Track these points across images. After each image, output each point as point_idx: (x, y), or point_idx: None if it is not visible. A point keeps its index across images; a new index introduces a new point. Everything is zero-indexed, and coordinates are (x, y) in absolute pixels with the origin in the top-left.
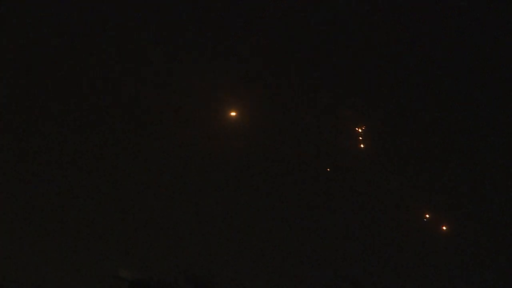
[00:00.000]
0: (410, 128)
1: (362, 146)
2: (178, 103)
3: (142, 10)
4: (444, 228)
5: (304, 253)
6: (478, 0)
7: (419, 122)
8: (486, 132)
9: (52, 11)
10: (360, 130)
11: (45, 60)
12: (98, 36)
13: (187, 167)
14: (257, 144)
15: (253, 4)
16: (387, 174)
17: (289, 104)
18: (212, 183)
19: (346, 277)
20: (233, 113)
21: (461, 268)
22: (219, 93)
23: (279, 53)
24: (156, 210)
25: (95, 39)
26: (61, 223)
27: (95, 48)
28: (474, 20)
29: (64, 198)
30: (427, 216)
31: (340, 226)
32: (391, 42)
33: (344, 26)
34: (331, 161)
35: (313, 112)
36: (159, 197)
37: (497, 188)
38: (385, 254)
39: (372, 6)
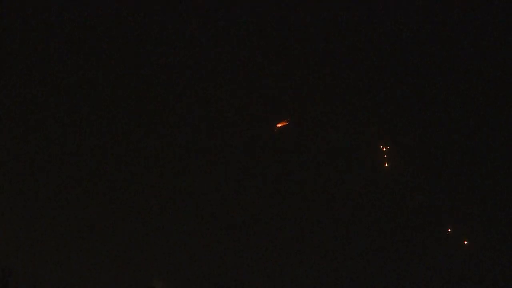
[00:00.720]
0: (435, 147)
1: (386, 164)
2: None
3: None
4: (466, 242)
5: (329, 269)
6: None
7: (443, 142)
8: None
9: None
10: (385, 149)
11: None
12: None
13: (220, 187)
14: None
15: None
16: (410, 191)
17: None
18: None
19: None
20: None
21: (480, 281)
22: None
23: (309, 71)
24: (190, 226)
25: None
26: (97, 234)
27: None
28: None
29: (102, 211)
30: (449, 230)
31: (366, 242)
32: (424, 67)
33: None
34: (357, 179)
35: (342, 129)
36: (193, 213)
37: None
38: (408, 268)
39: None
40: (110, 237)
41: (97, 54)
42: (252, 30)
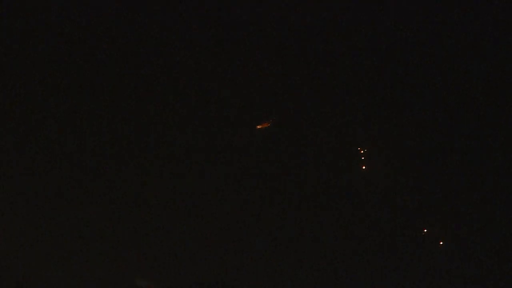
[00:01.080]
0: (412, 150)
1: (364, 167)
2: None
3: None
4: (441, 243)
5: (307, 266)
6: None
7: (420, 144)
8: (485, 152)
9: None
10: (362, 152)
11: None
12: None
13: (206, 182)
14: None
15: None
16: (387, 193)
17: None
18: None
19: None
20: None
21: (455, 281)
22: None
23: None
24: (174, 223)
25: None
26: (79, 233)
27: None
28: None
29: (84, 209)
30: (425, 231)
31: (342, 243)
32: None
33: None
34: (332, 181)
35: (322, 131)
36: (177, 210)
37: (495, 207)
38: (385, 267)
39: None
40: (92, 237)
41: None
42: (235, 31)
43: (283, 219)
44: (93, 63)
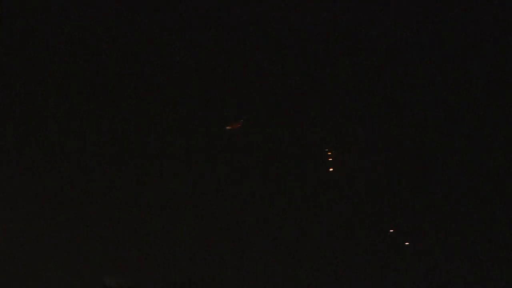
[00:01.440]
0: (379, 151)
1: (331, 169)
2: None
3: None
4: (407, 243)
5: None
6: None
7: (388, 145)
8: (450, 152)
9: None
10: (330, 153)
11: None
12: None
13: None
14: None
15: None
16: (354, 194)
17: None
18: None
19: None
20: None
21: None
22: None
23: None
24: (143, 218)
25: None
26: (45, 229)
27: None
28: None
29: (49, 203)
30: (391, 231)
31: (308, 245)
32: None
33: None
34: (300, 183)
35: (290, 132)
36: (146, 205)
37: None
38: (351, 270)
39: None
40: (59, 235)
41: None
42: (202, 29)
43: (249, 220)
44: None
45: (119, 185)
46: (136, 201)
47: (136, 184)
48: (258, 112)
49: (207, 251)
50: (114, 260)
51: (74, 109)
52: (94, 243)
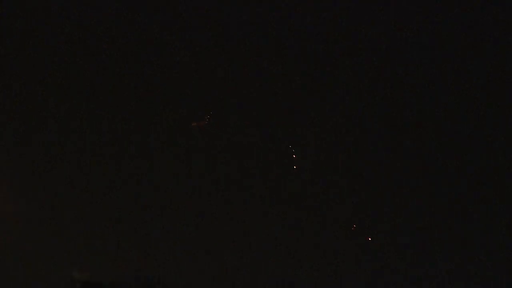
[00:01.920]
0: (343, 147)
1: (295, 167)
2: None
3: None
4: (369, 239)
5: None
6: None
7: (353, 142)
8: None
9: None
10: (294, 150)
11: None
12: None
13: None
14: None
15: None
16: (316, 190)
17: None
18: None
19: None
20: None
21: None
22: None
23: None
24: (110, 212)
25: None
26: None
27: None
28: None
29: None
30: (354, 226)
31: (268, 242)
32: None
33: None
34: (264, 180)
35: (254, 130)
36: (114, 199)
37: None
38: (313, 266)
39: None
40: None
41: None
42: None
43: (213, 218)
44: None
45: (89, 188)
46: (116, 201)
47: (109, 188)
48: (224, 108)
49: (178, 248)
50: (83, 256)
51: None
52: (66, 239)
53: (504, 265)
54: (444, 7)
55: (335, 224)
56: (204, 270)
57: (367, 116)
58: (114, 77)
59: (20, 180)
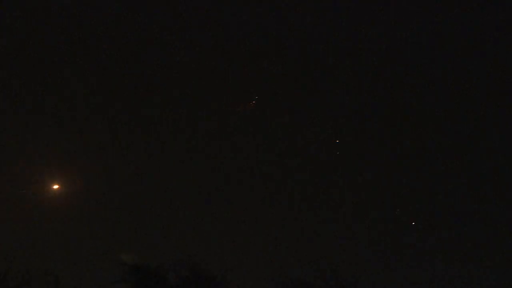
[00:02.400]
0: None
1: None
2: None
3: None
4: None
5: None
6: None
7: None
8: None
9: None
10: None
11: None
12: None
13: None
14: None
15: None
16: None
17: None
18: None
19: None
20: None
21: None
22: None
23: None
24: (155, 199)
25: None
26: (61, 208)
27: None
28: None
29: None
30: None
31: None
32: None
33: None
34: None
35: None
36: (160, 184)
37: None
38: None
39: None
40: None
41: None
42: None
43: (255, 202)
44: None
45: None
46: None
47: (155, 176)
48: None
49: (215, 232)
50: (131, 240)
51: None
52: (114, 221)
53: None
54: (444, 7)
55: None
56: (248, 253)
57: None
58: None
59: (69, 163)
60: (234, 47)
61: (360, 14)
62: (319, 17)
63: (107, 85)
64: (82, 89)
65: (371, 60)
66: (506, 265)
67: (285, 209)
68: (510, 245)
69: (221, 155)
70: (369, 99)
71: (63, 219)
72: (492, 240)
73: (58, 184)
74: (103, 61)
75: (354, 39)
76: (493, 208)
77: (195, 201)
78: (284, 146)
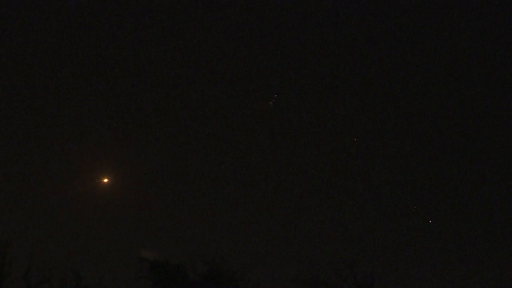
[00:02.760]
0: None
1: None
2: None
3: None
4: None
5: None
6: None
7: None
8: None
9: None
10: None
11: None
12: None
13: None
14: None
15: None
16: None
17: None
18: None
19: None
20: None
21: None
22: None
23: None
24: (176, 198)
25: None
26: (85, 206)
27: None
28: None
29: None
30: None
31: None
32: None
33: None
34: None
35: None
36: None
37: None
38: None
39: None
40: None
41: None
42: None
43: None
44: None
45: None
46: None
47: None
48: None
49: (235, 229)
50: (150, 236)
51: None
52: (135, 220)
53: None
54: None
55: None
56: (266, 250)
57: None
58: None
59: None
60: (256, 48)
61: (379, 14)
62: (339, 18)
63: (163, 86)
64: (139, 90)
65: (388, 60)
66: None
67: (303, 207)
68: None
69: (240, 154)
70: (390, 98)
71: (84, 217)
72: None
73: (108, 178)
74: (162, 61)
75: (372, 40)
76: None
77: (215, 199)
78: (303, 144)
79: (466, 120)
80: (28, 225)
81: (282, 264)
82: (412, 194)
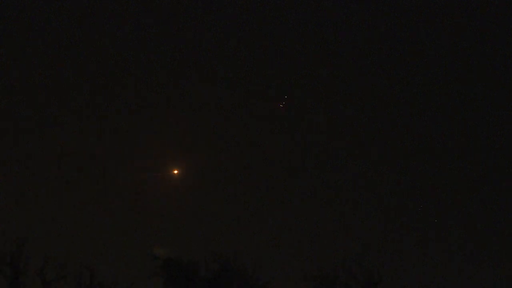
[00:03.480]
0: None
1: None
2: None
3: None
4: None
5: None
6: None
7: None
8: None
9: None
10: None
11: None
12: None
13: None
14: None
15: None
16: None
17: None
18: None
19: None
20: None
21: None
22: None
23: None
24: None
25: None
26: (100, 205)
27: None
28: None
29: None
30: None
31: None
32: None
33: None
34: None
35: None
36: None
37: None
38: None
39: None
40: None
41: None
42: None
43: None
44: None
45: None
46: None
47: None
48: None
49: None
50: (162, 234)
51: None
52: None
53: None
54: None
55: None
56: (277, 247)
57: None
58: None
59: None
60: (267, 50)
61: (389, 16)
62: (350, 20)
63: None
64: (207, 89)
65: (392, 62)
66: None
67: (313, 205)
68: None
69: (251, 153)
70: (399, 97)
71: (99, 214)
72: None
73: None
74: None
75: (373, 40)
76: None
77: (226, 198)
78: (313, 144)
79: (472, 120)
80: (44, 223)
81: (292, 262)
82: (419, 194)
